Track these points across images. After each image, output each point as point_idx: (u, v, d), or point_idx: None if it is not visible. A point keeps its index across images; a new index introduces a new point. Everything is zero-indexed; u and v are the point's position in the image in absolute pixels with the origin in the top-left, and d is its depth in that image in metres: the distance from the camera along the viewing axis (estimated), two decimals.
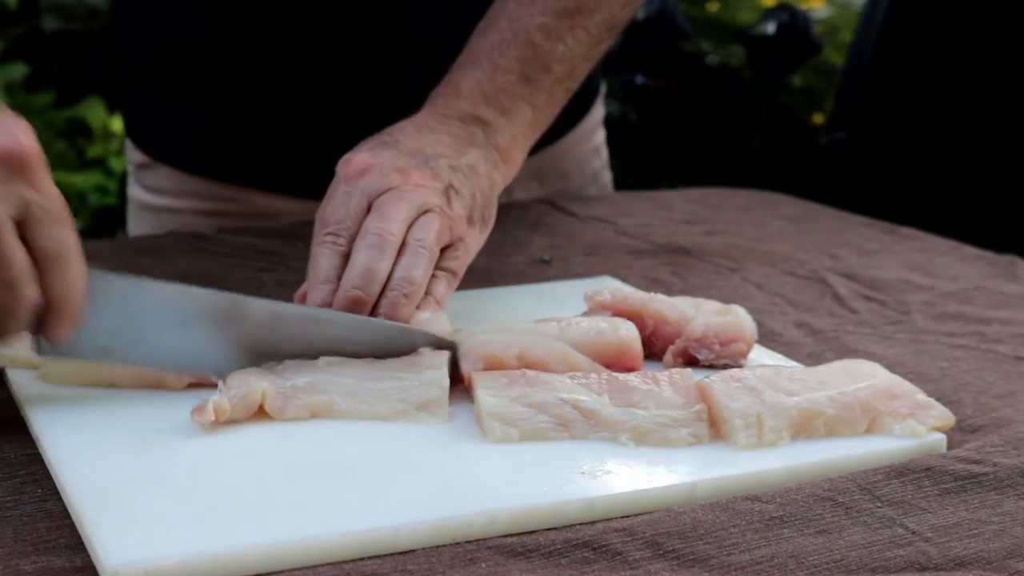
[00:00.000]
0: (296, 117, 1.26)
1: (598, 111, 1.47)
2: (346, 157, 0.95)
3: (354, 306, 0.87)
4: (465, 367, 0.83)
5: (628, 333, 0.87)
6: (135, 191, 1.38)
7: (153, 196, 1.35)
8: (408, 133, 0.98)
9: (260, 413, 0.78)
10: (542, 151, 1.39)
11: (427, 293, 0.91)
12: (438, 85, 1.04)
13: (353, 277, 0.87)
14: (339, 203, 0.92)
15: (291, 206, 1.30)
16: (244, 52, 1.24)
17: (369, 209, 0.91)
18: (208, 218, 1.31)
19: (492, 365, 0.82)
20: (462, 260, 0.94)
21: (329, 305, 0.88)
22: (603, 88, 1.50)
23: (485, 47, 1.03)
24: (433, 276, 0.91)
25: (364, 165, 0.93)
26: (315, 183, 1.29)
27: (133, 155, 1.37)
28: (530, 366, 0.82)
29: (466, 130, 0.99)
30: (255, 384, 0.78)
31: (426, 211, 0.91)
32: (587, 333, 0.87)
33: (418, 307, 0.89)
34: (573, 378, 0.80)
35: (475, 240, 0.96)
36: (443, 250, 0.93)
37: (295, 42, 1.23)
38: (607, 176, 1.52)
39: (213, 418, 0.75)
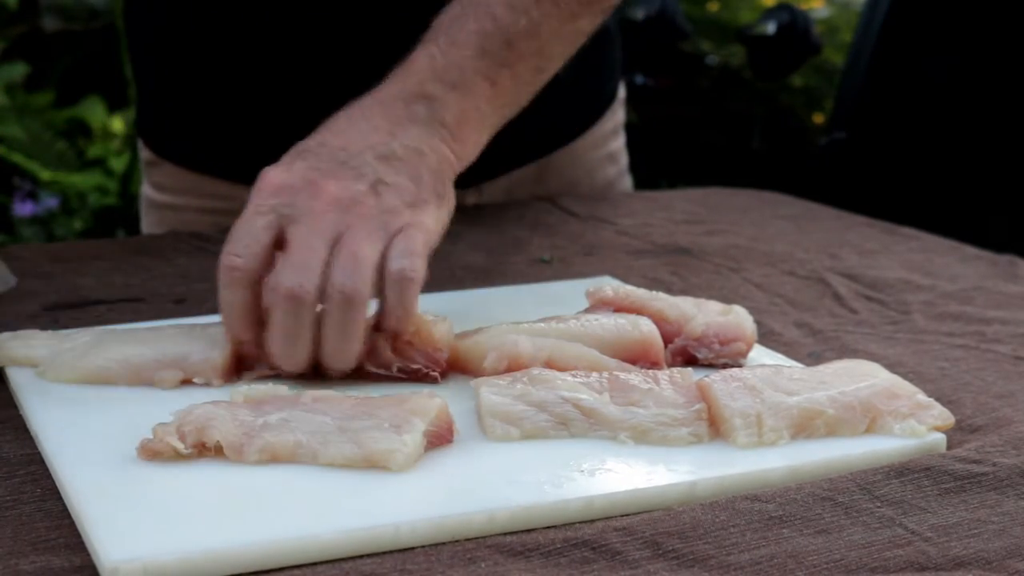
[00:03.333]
0: (298, 114, 1.26)
1: (616, 116, 1.43)
2: (263, 171, 0.88)
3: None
4: (489, 363, 0.83)
5: (649, 328, 0.87)
6: (145, 188, 1.39)
7: (159, 193, 1.36)
8: (338, 129, 0.91)
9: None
10: (546, 156, 1.38)
11: (388, 307, 0.84)
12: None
13: (276, 342, 0.82)
14: (246, 230, 0.84)
15: None
16: (248, 48, 1.24)
17: (280, 236, 0.84)
18: (209, 216, 1.31)
19: (516, 366, 0.82)
20: (416, 241, 0.85)
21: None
22: (623, 91, 1.45)
23: (444, 22, 0.98)
24: (387, 284, 0.84)
25: (277, 184, 0.86)
26: None
27: (143, 153, 1.38)
28: (559, 371, 0.81)
29: (407, 109, 0.92)
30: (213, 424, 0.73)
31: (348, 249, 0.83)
32: (609, 330, 0.86)
33: (384, 326, 0.84)
34: (575, 376, 0.80)
35: (432, 218, 0.88)
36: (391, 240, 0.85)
37: (301, 40, 1.23)
38: (626, 183, 1.48)
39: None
